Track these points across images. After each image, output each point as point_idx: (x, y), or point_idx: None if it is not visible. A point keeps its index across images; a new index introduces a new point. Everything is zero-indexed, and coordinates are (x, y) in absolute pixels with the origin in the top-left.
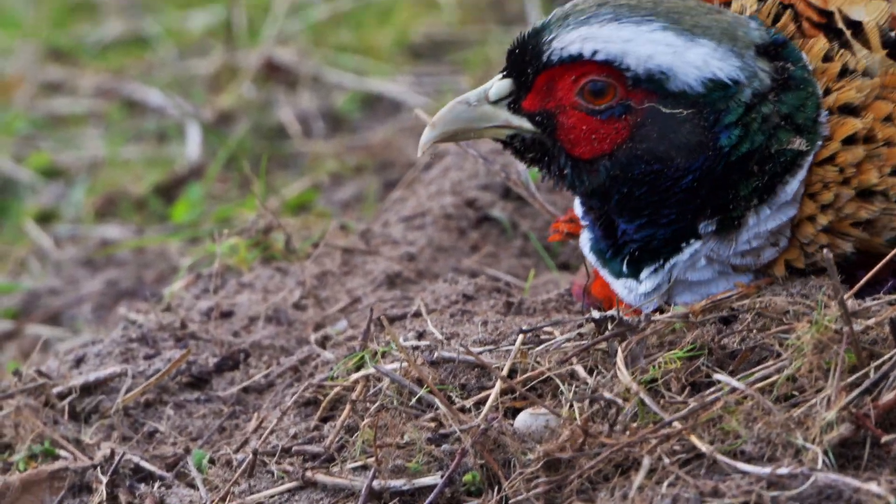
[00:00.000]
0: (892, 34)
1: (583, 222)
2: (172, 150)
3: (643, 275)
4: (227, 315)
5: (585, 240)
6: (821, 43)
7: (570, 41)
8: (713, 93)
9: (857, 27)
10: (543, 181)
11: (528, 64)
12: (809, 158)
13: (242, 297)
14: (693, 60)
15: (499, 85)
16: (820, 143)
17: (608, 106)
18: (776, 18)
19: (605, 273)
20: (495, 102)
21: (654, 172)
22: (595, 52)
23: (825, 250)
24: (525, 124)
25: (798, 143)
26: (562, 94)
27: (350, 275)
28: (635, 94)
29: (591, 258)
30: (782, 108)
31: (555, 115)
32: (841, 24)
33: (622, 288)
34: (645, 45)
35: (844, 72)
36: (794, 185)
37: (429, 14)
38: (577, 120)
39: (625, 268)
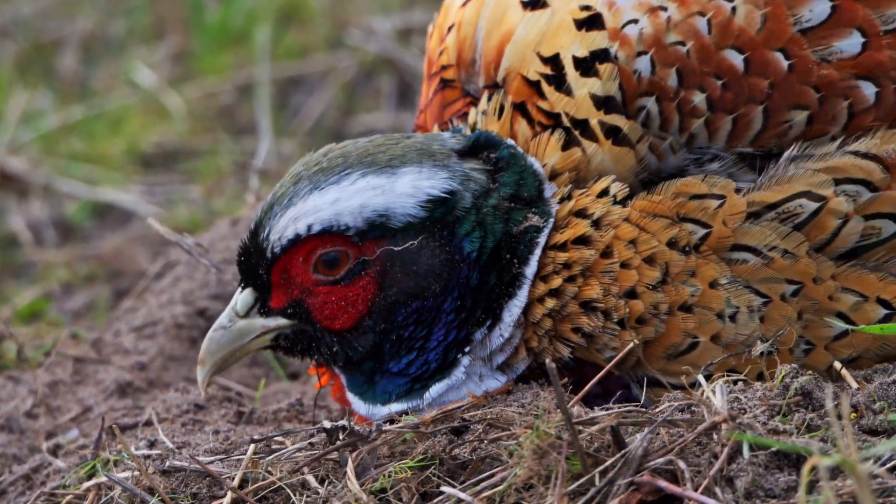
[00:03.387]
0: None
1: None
2: None
3: (394, 405)
4: None
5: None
6: (556, 134)
7: (283, 227)
8: (435, 211)
9: (583, 125)
10: (318, 368)
11: (257, 266)
12: (543, 238)
13: None
14: (404, 190)
15: (242, 297)
16: (552, 219)
17: (347, 270)
18: (500, 114)
19: (349, 389)
20: (246, 315)
21: (416, 310)
22: (310, 227)
23: (547, 360)
24: (281, 322)
25: (534, 220)
26: (300, 279)
27: (82, 384)
28: (366, 248)
29: (337, 370)
30: (505, 191)
31: (303, 300)
32: (568, 123)
33: (363, 408)
34: (353, 198)
35: (581, 180)
36: (533, 266)
37: (160, 123)
38: (324, 295)
39: (378, 396)
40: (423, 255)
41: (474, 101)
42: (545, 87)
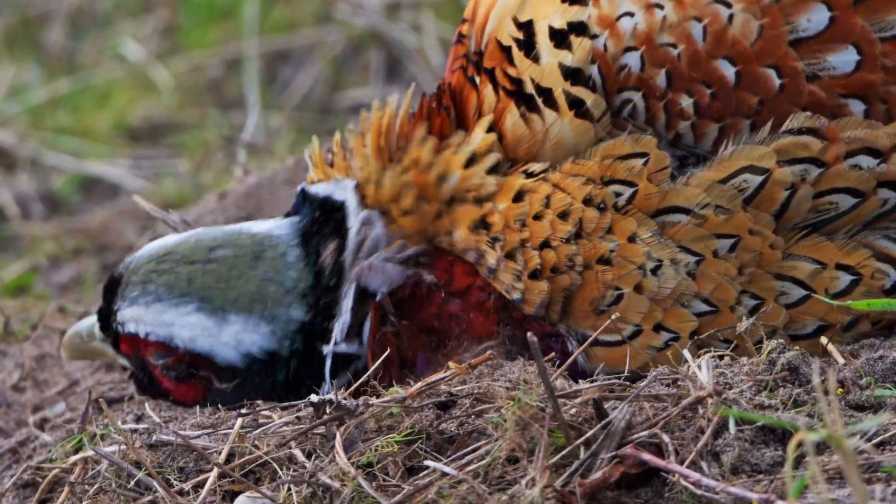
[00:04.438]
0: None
1: None
2: None
3: None
4: None
5: None
6: (511, 108)
7: (128, 319)
8: (254, 365)
9: (547, 93)
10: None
11: (109, 322)
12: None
13: None
14: (228, 341)
15: (98, 330)
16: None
17: (178, 370)
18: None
19: None
20: (103, 341)
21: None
22: (148, 335)
23: (529, 333)
24: (128, 364)
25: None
26: (142, 353)
27: None
28: (195, 362)
29: None
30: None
31: (146, 364)
32: (531, 90)
33: None
34: (185, 329)
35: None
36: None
37: (147, 97)
38: (160, 375)
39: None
40: (245, 385)
41: (469, 63)
42: (515, 52)
